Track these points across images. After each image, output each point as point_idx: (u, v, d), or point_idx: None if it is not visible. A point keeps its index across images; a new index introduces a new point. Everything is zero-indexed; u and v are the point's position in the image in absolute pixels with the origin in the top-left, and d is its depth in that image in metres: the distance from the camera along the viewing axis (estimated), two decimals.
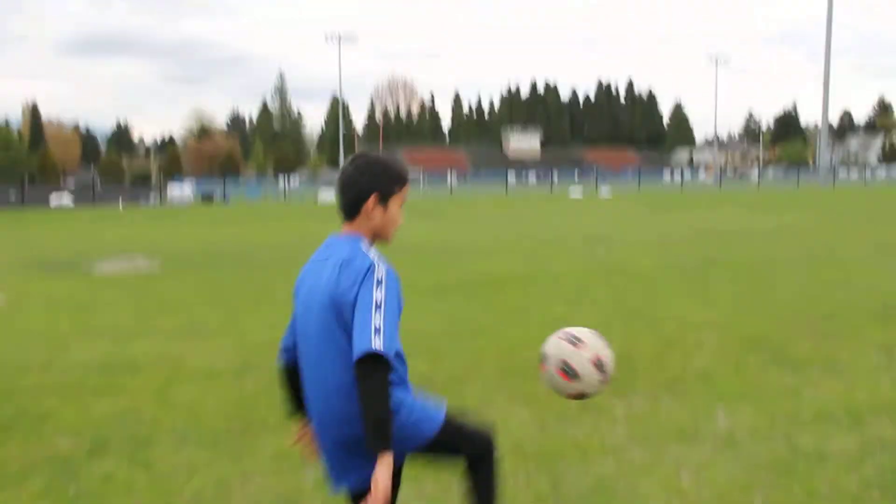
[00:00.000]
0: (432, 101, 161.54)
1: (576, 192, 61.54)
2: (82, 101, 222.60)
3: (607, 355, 3.22)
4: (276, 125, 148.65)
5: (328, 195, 56.84)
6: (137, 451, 5.25)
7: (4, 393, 6.78)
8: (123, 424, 5.81)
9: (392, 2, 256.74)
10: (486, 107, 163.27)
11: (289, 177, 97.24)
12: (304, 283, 3.00)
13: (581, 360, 3.17)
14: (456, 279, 12.87)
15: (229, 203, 52.99)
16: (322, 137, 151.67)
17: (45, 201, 51.12)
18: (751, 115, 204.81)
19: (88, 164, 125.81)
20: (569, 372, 3.17)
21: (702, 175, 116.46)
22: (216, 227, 29.44)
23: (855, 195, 49.09)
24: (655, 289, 11.61)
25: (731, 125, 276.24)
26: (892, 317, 9.24)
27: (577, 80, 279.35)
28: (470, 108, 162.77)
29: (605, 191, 63.10)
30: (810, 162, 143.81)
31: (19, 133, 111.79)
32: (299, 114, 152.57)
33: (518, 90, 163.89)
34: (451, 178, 72.50)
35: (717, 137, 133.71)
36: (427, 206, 41.70)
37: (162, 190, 62.54)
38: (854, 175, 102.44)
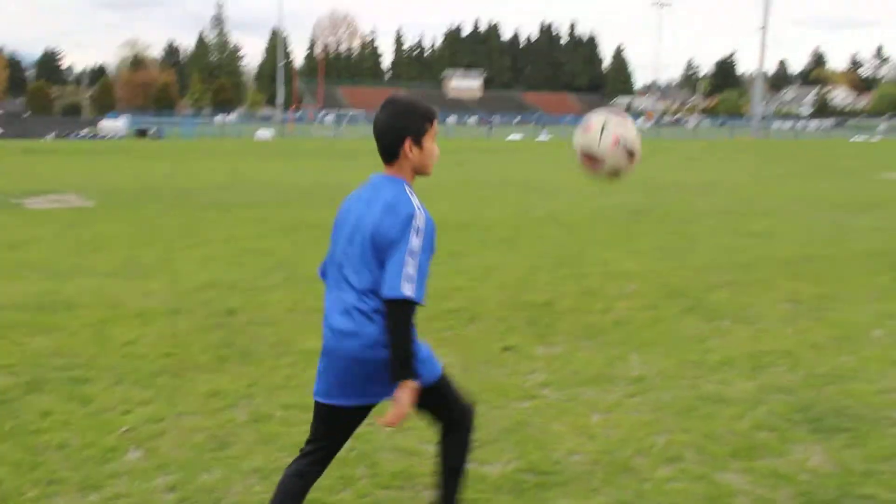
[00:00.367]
0: (373, 38, 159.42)
1: (515, 136, 61.82)
2: (7, 25, 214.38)
3: (627, 133, 3.66)
4: (214, 58, 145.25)
5: (265, 132, 56.23)
6: (74, 388, 5.40)
7: None
8: (60, 362, 5.94)
9: None
10: (427, 46, 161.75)
11: (226, 112, 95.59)
12: (348, 219, 3.23)
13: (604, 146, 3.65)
14: None
15: (164, 138, 52.06)
16: (261, 72, 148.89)
17: None
18: (690, 64, 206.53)
19: (14, 93, 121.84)
20: (594, 158, 3.69)
21: (641, 122, 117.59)
22: (150, 163, 29.01)
23: (784, 147, 50.29)
24: (584, 238, 11.96)
25: (672, 72, 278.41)
26: (804, 268, 9.75)
27: (520, 21, 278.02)
28: (412, 46, 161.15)
29: (544, 136, 63.51)
30: (746, 111, 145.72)
31: None
32: (237, 47, 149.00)
33: (460, 30, 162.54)
34: None
35: (657, 84, 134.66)
36: (363, 147, 41.57)
37: (94, 122, 61.02)
38: (787, 126, 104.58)
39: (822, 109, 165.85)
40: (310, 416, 4.76)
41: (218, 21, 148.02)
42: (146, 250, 10.59)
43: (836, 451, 4.55)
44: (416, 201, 3.09)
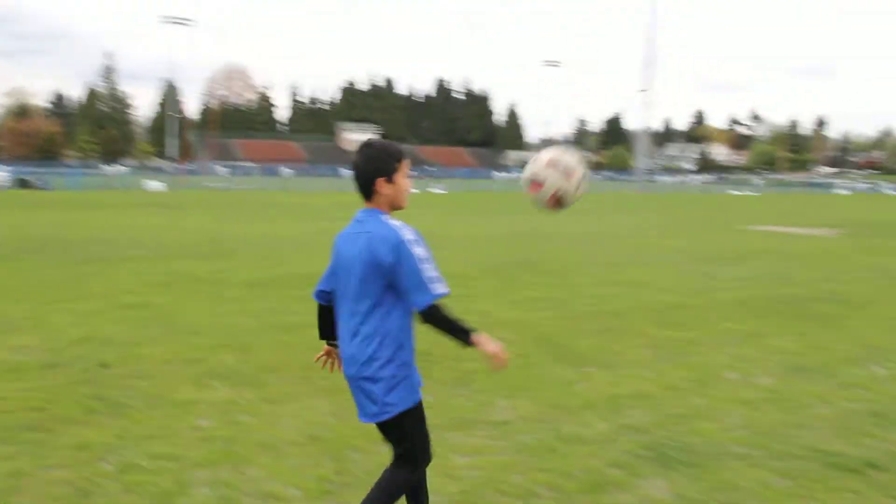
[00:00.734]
0: (268, 91, 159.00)
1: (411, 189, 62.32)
2: None
3: (563, 157, 4.08)
4: (104, 108, 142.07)
5: (156, 184, 55.28)
6: None
7: None
8: None
9: None
10: (323, 100, 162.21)
11: (115, 163, 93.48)
12: (342, 252, 3.67)
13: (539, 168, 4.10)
14: (273, 275, 13.11)
15: (49, 189, 50.58)
16: (153, 124, 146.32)
17: None
18: (581, 120, 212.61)
19: None
20: (537, 181, 4.04)
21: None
22: (32, 214, 28.19)
23: (667, 200, 52.26)
24: (470, 289, 12.24)
25: (563, 129, 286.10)
26: (671, 316, 10.26)
27: (415, 77, 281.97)
28: (308, 99, 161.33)
29: (438, 189, 64.31)
30: (633, 166, 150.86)
31: None
32: (128, 97, 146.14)
33: (355, 85, 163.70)
34: (286, 172, 71.85)
35: (548, 138, 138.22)
36: (257, 199, 41.38)
37: None
38: (672, 181, 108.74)
39: (705, 165, 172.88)
40: (178, 464, 4.88)
41: (108, 71, 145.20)
42: (19, 305, 10.36)
43: (678, 483, 4.88)
44: (396, 223, 3.53)
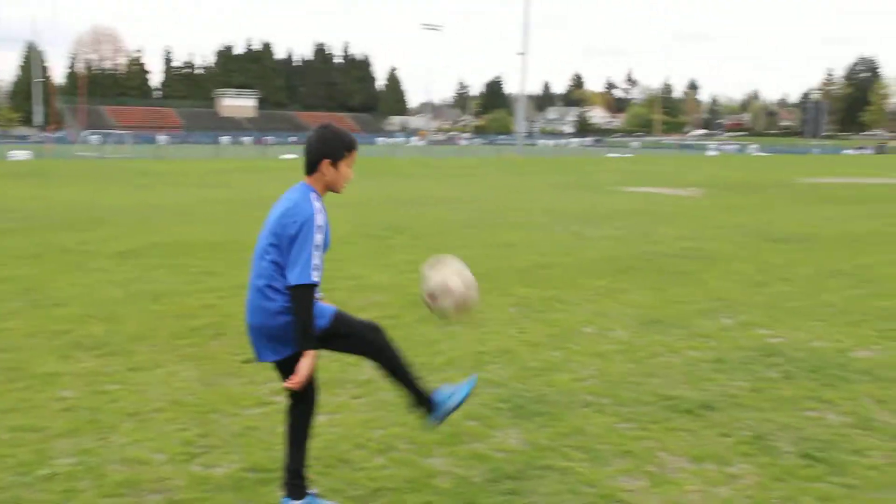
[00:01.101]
0: (140, 56, 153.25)
1: (289, 154, 61.68)
2: None
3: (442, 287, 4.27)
4: None
5: (20, 153, 52.92)
6: None
7: None
8: None
9: None
10: (198, 65, 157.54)
11: None
12: (267, 217, 3.94)
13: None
14: (143, 244, 12.90)
15: None
16: (15, 90, 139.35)
17: None
18: (461, 84, 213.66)
19: None
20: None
21: (415, 140, 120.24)
22: None
23: (545, 164, 53.32)
24: (341, 253, 12.34)
25: (445, 92, 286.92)
26: (536, 275, 10.65)
27: (293, 41, 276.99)
28: (182, 65, 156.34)
29: None
30: (515, 130, 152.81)
31: None
32: None
33: (231, 49, 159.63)
34: (162, 139, 69.81)
35: (430, 102, 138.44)
36: (131, 167, 40.18)
37: None
38: (551, 144, 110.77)
39: (583, 128, 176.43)
40: (39, 436, 4.90)
41: None
42: None
43: (530, 432, 5.19)
44: (317, 205, 3.81)
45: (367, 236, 14.35)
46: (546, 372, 6.47)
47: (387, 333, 4.09)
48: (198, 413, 5.43)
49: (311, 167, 3.92)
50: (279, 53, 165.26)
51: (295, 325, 3.75)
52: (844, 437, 5.17)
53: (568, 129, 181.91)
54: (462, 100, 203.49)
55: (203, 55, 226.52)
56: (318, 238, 3.76)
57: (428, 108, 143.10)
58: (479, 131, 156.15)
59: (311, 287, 3.73)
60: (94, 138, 72.77)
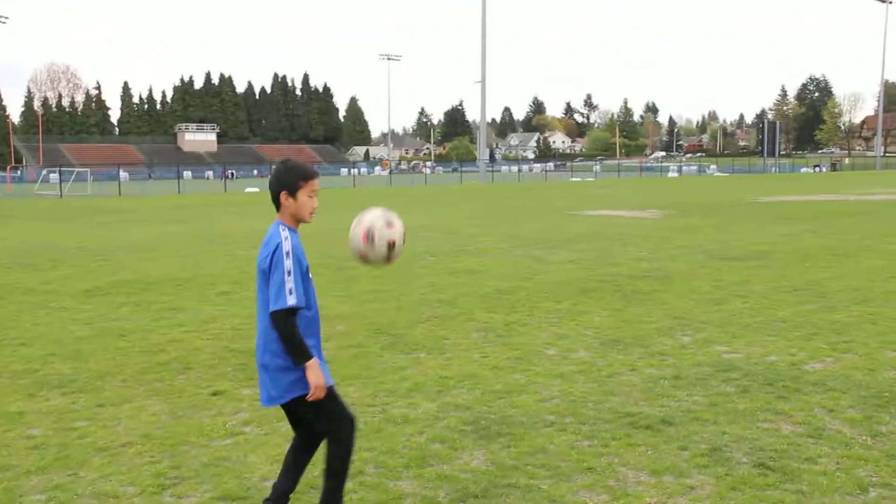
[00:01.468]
0: (99, 91, 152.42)
1: (252, 188, 61.62)
2: None
3: (399, 244, 4.35)
4: None
5: None
6: None
7: None
8: None
9: None
10: (158, 99, 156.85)
11: None
12: None
13: (382, 236, 4.29)
14: (110, 282, 12.90)
15: None
16: None
17: None
18: (423, 112, 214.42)
19: None
20: (369, 238, 4.30)
21: (378, 170, 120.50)
22: None
23: (507, 190, 53.74)
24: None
25: (406, 121, 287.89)
26: (498, 300, 10.82)
27: (253, 73, 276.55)
28: (140, 98, 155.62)
29: None
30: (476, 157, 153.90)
31: None
32: None
33: (192, 82, 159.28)
34: (123, 175, 69.35)
35: (391, 132, 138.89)
36: (91, 206, 39.93)
37: None
38: (514, 169, 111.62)
39: (545, 153, 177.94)
40: (9, 474, 4.97)
41: None
42: None
43: (495, 452, 5.32)
44: (284, 233, 3.99)
45: (329, 267, 14.43)
46: (509, 394, 6.62)
47: (355, 433, 4.20)
48: (168, 446, 5.51)
49: (275, 202, 4.10)
50: (239, 86, 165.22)
51: (285, 347, 3.91)
52: (797, 446, 5.37)
53: (530, 154, 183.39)
54: (424, 128, 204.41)
55: (162, 89, 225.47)
56: (288, 263, 3.90)
57: (389, 138, 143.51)
58: (440, 159, 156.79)
59: (287, 311, 3.86)
60: (54, 176, 72.15)
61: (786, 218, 24.83)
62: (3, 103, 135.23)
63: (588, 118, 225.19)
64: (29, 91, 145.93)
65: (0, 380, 7.25)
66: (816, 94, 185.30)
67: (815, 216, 25.60)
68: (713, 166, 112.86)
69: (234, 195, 52.50)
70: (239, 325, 9.45)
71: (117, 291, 12.05)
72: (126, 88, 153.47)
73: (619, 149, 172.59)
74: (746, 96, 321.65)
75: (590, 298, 10.95)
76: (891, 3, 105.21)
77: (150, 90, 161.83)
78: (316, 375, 3.94)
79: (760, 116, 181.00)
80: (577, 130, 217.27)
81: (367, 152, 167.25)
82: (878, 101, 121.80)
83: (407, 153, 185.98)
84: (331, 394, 4.08)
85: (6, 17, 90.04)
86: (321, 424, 4.13)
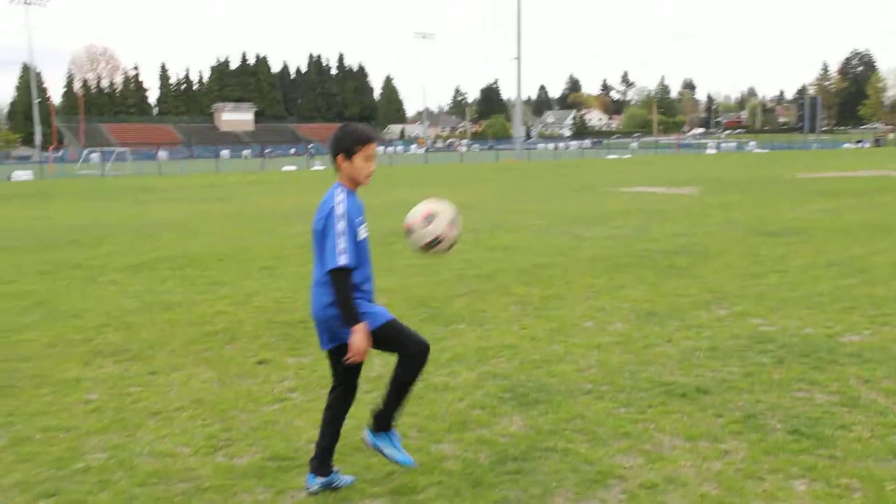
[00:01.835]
0: (137, 73, 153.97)
1: (289, 166, 62.09)
2: None
3: (443, 246, 4.87)
4: None
5: (23, 174, 53.30)
6: None
7: None
8: None
9: None
10: (195, 80, 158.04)
11: None
12: None
13: (438, 228, 4.79)
14: (154, 258, 13.21)
15: None
16: (13, 111, 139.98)
17: None
18: (458, 90, 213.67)
19: None
20: (428, 219, 4.77)
21: (414, 148, 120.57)
22: None
23: (543, 168, 53.63)
24: None
25: (441, 100, 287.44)
26: (536, 275, 10.95)
27: (288, 54, 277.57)
28: (178, 79, 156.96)
29: (317, 165, 64.19)
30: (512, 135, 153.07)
31: None
32: None
33: (228, 63, 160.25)
34: (162, 155, 70.23)
35: (427, 110, 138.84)
36: (132, 185, 40.54)
37: None
38: (550, 147, 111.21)
39: (581, 131, 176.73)
40: (70, 435, 5.21)
41: None
42: None
43: (533, 418, 5.48)
44: (340, 196, 4.17)
45: (371, 242, 14.60)
46: (547, 364, 6.76)
47: (427, 356, 4.38)
48: (218, 410, 5.73)
49: (334, 164, 4.27)
50: (275, 66, 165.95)
51: (339, 306, 4.11)
52: (831, 414, 5.46)
53: (566, 132, 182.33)
54: (459, 106, 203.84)
55: (199, 70, 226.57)
56: (340, 226, 4.07)
57: (425, 116, 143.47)
58: (476, 137, 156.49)
59: (341, 270, 4.06)
60: (95, 156, 73.18)
61: (825, 194, 24.61)
62: (45, 85, 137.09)
63: (625, 95, 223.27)
64: (69, 73, 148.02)
65: (56, 349, 7.53)
66: (860, 68, 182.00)
67: (855, 192, 25.34)
68: (752, 143, 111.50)
69: (271, 174, 53.00)
70: (281, 299, 9.68)
71: (162, 267, 12.35)
72: (163, 69, 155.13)
73: (655, 126, 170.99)
74: (787, 72, 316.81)
75: (626, 273, 11.03)
76: None
77: (187, 71, 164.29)
78: (360, 339, 4.12)
79: (801, 92, 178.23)
80: (614, 108, 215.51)
81: (402, 131, 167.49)
82: None
83: (443, 131, 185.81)
84: (395, 326, 4.32)
85: (46, 1, 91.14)
86: (400, 348, 4.35)
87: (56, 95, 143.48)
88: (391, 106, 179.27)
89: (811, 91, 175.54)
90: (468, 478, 4.55)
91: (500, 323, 8.29)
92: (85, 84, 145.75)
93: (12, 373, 6.78)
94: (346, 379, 4.48)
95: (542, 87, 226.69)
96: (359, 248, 4.19)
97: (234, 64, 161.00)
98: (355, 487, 4.44)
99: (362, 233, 4.23)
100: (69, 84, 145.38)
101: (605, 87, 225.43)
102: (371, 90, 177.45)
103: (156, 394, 6.15)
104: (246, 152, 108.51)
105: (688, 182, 32.25)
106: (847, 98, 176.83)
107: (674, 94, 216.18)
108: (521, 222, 17.85)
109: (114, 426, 5.43)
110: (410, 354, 4.32)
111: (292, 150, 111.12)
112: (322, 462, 4.42)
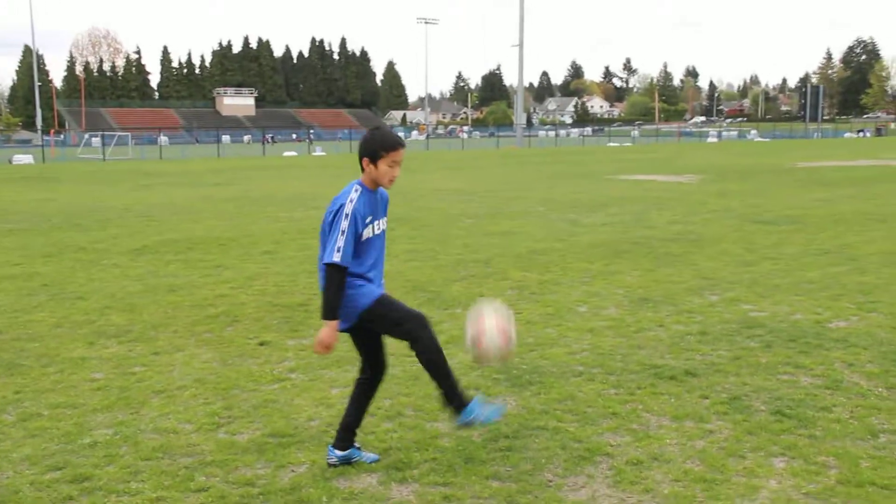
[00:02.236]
0: (139, 56, 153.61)
1: (290, 152, 62.18)
2: None
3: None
4: None
5: (24, 157, 53.41)
6: None
7: None
8: None
9: None
10: (196, 63, 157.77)
11: None
12: None
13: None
14: (157, 241, 13.39)
15: None
16: (14, 94, 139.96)
17: None
18: (460, 76, 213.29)
19: None
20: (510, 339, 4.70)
21: (415, 135, 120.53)
22: None
23: (544, 155, 53.72)
24: None
25: (443, 85, 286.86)
26: (532, 260, 11.12)
27: (290, 38, 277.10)
28: (180, 63, 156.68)
29: (318, 151, 64.27)
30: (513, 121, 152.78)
31: None
32: None
33: (230, 47, 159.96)
34: (163, 139, 70.33)
35: (429, 96, 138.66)
36: (134, 169, 40.66)
37: None
38: (551, 134, 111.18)
39: (583, 118, 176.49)
40: (77, 411, 5.39)
41: None
42: None
43: (525, 398, 5.66)
44: (354, 195, 4.30)
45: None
46: (541, 347, 6.94)
47: (429, 327, 4.49)
48: (220, 389, 5.91)
49: (360, 164, 4.41)
50: (277, 50, 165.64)
51: (322, 297, 4.27)
52: (814, 396, 5.63)
53: (568, 119, 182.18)
54: (461, 92, 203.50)
55: (201, 54, 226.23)
56: (344, 224, 4.20)
57: (427, 102, 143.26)
58: (478, 124, 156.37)
59: (334, 266, 4.20)
60: (96, 140, 73.27)
61: (823, 183, 24.76)
62: (46, 68, 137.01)
63: (627, 82, 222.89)
64: (71, 56, 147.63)
65: (62, 329, 7.71)
66: (863, 56, 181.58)
67: (853, 181, 25.49)
68: (753, 131, 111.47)
69: (272, 159, 53.11)
70: (281, 283, 9.85)
71: (165, 250, 12.52)
72: (165, 53, 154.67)
73: (657, 113, 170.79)
74: (790, 60, 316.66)
75: (622, 259, 11.20)
76: None
77: (189, 55, 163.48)
78: (327, 335, 4.26)
79: (804, 80, 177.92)
80: (616, 95, 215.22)
81: (404, 116, 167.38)
82: None
83: (444, 118, 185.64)
84: (385, 301, 4.43)
85: None
86: (392, 332, 4.47)
87: (57, 79, 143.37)
88: (393, 91, 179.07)
89: (814, 79, 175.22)
90: (461, 454, 4.73)
91: None
92: (87, 67, 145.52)
93: (20, 352, 6.96)
94: (373, 358, 4.63)
95: (545, 74, 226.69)
96: (367, 244, 4.33)
97: (237, 48, 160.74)
98: (352, 464, 4.61)
99: (369, 232, 4.34)
100: (71, 67, 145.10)
101: (608, 74, 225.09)
102: (373, 75, 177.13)
103: (159, 373, 6.33)
104: (247, 137, 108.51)
105: (687, 170, 32.39)
106: (849, 87, 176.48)
107: (676, 81, 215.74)
108: (521, 209, 18.01)
109: (119, 403, 5.62)
110: (412, 336, 4.43)
111: (293, 136, 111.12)
112: (342, 437, 4.59)
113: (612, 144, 79.54)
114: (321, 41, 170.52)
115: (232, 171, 38.03)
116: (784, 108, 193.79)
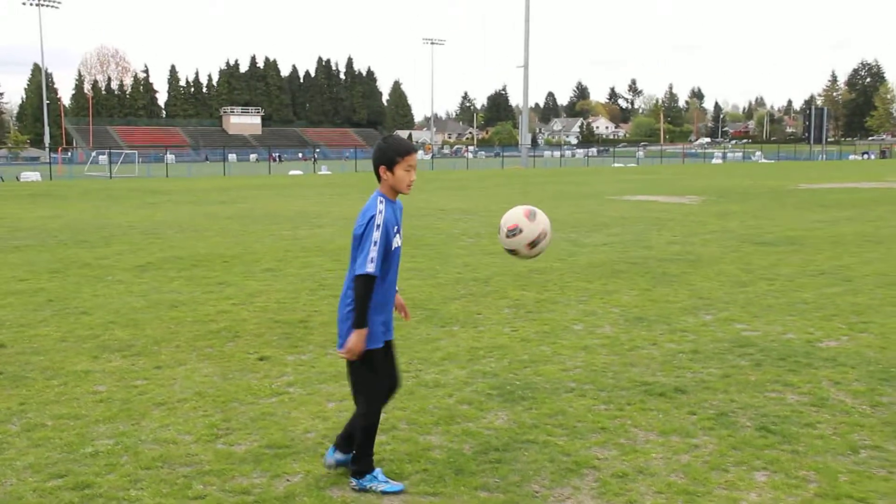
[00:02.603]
0: (147, 74, 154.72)
1: (296, 171, 62.52)
2: None
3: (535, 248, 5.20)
4: None
5: (32, 174, 53.78)
6: None
7: None
8: None
9: None
10: (204, 82, 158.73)
11: None
12: None
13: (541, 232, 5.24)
14: (161, 258, 13.56)
15: None
16: (23, 111, 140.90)
17: None
18: (466, 96, 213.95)
19: None
20: (532, 215, 5.32)
21: (421, 154, 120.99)
22: None
23: (548, 175, 53.93)
24: (344, 264, 12.97)
25: (449, 105, 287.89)
26: (531, 279, 11.27)
27: (297, 57, 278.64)
28: (187, 81, 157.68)
29: (324, 169, 64.59)
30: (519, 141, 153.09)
31: None
32: None
33: (238, 66, 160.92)
34: (170, 158, 70.67)
35: (434, 116, 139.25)
36: (139, 187, 40.94)
37: None
38: (556, 154, 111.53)
39: (588, 138, 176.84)
40: (80, 422, 5.54)
41: None
42: None
43: (517, 413, 5.79)
44: (381, 206, 4.39)
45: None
46: (535, 363, 7.08)
47: (385, 401, 4.79)
48: (219, 402, 6.06)
49: (376, 175, 4.49)
50: (284, 70, 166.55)
51: (355, 305, 4.35)
52: (799, 413, 5.77)
53: (573, 139, 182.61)
54: (467, 112, 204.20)
55: (208, 73, 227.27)
56: (376, 235, 4.29)
57: (433, 122, 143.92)
58: (483, 144, 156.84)
59: (366, 277, 4.29)
60: (103, 158, 73.72)
61: (824, 205, 24.89)
62: (55, 86, 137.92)
63: (632, 103, 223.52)
64: (80, 74, 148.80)
65: (66, 343, 7.87)
66: (868, 79, 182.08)
67: (854, 204, 25.61)
68: (758, 153, 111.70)
69: (277, 178, 53.39)
70: (283, 300, 10.01)
71: (168, 267, 12.70)
72: (173, 72, 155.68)
73: (662, 135, 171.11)
74: (795, 82, 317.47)
75: (619, 279, 11.34)
76: None
77: (197, 74, 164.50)
78: (356, 341, 4.37)
79: (809, 102, 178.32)
80: (621, 116, 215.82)
81: (410, 136, 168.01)
82: None
83: (450, 137, 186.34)
84: (375, 357, 4.50)
85: (59, 2, 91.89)
86: (355, 385, 4.63)
87: (66, 97, 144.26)
88: (399, 111, 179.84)
89: (819, 101, 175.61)
90: (451, 465, 4.87)
91: (493, 325, 8.61)
92: (95, 85, 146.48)
93: (25, 365, 7.12)
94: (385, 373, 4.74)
95: (550, 94, 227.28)
96: (388, 258, 4.43)
97: (244, 67, 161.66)
98: (345, 472, 4.74)
99: (397, 241, 4.47)
100: (79, 85, 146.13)
101: (613, 95, 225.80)
102: (379, 95, 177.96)
103: (160, 386, 6.48)
104: (253, 156, 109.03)
105: (690, 191, 32.54)
106: (854, 109, 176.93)
107: (681, 102, 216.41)
108: None
109: (120, 415, 5.77)
110: (367, 405, 4.61)
111: (300, 155, 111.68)
112: (344, 441, 4.75)
113: (616, 165, 79.76)
114: (328, 61, 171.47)
115: (237, 189, 38.28)
116: (789, 129, 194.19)
